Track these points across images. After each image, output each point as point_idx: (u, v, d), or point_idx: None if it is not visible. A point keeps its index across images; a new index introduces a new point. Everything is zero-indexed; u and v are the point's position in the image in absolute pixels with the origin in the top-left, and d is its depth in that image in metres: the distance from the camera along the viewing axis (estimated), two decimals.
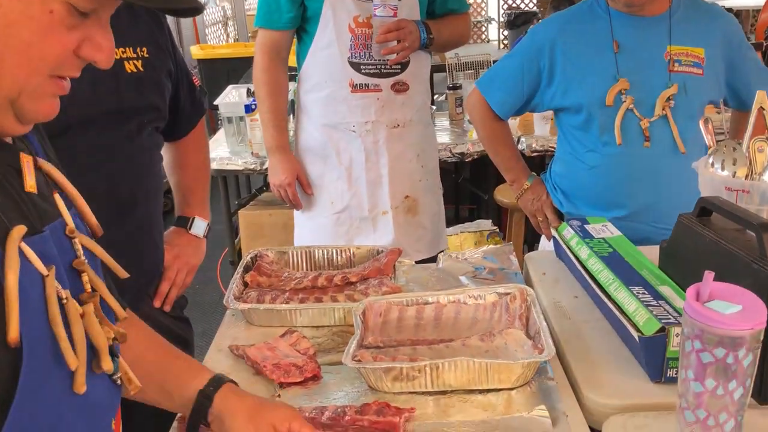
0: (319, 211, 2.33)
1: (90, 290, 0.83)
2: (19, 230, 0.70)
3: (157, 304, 1.54)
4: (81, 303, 0.80)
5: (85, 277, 0.82)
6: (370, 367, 1.22)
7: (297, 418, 1.05)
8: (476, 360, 1.20)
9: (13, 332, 0.66)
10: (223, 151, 3.46)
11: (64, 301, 0.76)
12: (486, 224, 3.25)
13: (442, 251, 2.31)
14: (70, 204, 0.84)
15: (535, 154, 3.36)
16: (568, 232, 1.64)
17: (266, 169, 2.45)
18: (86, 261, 0.83)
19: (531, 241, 3.31)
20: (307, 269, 1.69)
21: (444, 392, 1.23)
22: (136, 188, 1.44)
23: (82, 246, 0.84)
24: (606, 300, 1.35)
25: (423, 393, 1.23)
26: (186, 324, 1.66)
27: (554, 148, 2.09)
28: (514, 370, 1.21)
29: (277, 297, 1.51)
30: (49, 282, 0.74)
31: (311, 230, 2.35)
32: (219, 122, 3.86)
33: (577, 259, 1.53)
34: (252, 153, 3.31)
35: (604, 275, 1.41)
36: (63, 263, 0.80)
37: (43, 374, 0.72)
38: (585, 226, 1.65)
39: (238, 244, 3.61)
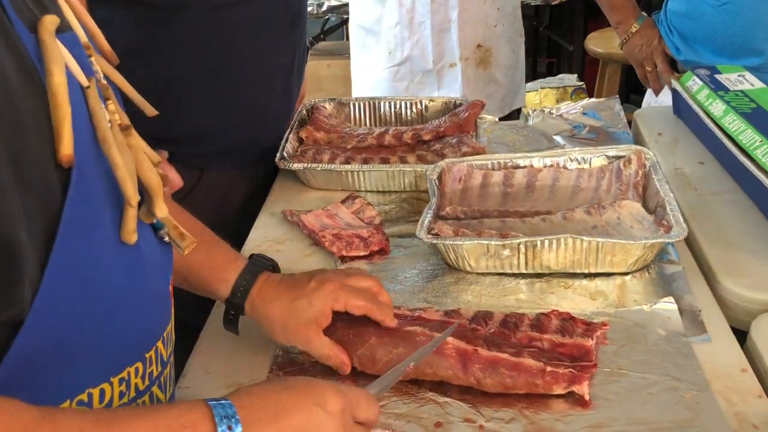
0: (374, 62, 2.03)
1: (121, 123, 0.62)
2: (52, 20, 0.54)
3: None
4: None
5: (111, 107, 0.61)
6: (451, 243, 0.99)
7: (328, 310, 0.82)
8: (586, 238, 0.96)
9: (67, 146, 0.51)
10: None
11: (108, 123, 0.58)
12: (570, 79, 2.89)
13: (519, 109, 2.02)
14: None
15: None
16: (693, 83, 1.32)
17: (324, 12, 2.14)
18: (109, 87, 0.63)
19: (623, 101, 2.93)
20: (371, 125, 1.44)
21: (540, 275, 1.00)
22: None
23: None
24: (750, 165, 1.07)
25: (514, 275, 1.01)
26: None
27: None
28: (632, 251, 0.96)
29: (337, 156, 1.27)
30: (92, 95, 0.57)
31: (368, 85, 2.07)
32: None
33: (708, 115, 1.23)
34: None
35: (747, 136, 1.12)
36: None
37: (91, 211, 0.55)
38: (716, 75, 1.32)
39: None
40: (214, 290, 0.86)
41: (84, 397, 0.57)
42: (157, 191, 0.61)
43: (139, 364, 0.62)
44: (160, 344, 0.66)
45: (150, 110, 0.69)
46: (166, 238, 0.67)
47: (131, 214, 0.57)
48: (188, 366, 0.88)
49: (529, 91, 2.75)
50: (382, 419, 0.77)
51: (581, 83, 2.91)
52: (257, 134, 1.28)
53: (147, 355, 0.63)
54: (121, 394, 0.60)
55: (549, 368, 0.79)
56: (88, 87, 0.57)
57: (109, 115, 0.58)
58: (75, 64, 0.56)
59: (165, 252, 0.68)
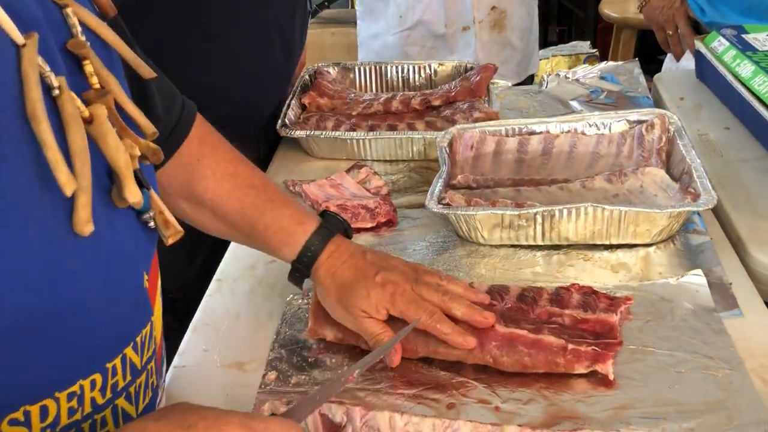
0: (384, 27, 1.95)
1: (99, 87, 0.54)
2: None
3: None
4: (87, 104, 0.52)
5: (88, 68, 0.53)
6: (462, 213, 0.93)
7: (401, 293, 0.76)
8: (608, 207, 0.89)
9: None
10: None
11: (56, 92, 0.48)
12: (583, 46, 2.79)
13: (532, 76, 1.95)
14: None
15: None
16: (719, 44, 1.25)
17: None
18: (89, 44, 0.54)
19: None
20: (377, 91, 1.38)
21: (557, 247, 0.95)
22: None
23: (82, 25, 0.54)
24: None
25: (530, 247, 0.95)
26: None
27: None
28: (657, 220, 0.90)
29: (342, 123, 1.21)
30: (28, 55, 0.46)
31: (377, 52, 1.99)
32: None
33: (735, 77, 1.16)
34: None
35: None
36: (55, 42, 0.51)
37: (19, 202, 0.45)
38: (743, 36, 1.25)
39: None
40: (278, 253, 0.80)
41: (19, 415, 0.47)
42: (125, 172, 0.52)
43: (97, 376, 0.52)
44: (129, 351, 0.56)
45: (147, 71, 0.60)
46: (152, 224, 0.58)
47: (82, 201, 0.48)
48: (185, 343, 0.83)
49: (541, 59, 2.66)
50: (391, 400, 0.72)
51: (594, 50, 2.82)
52: (257, 99, 1.21)
53: (109, 365, 0.53)
54: (71, 411, 0.51)
55: (571, 346, 0.73)
56: (24, 45, 0.47)
57: (57, 81, 0.48)
58: (5, 16, 0.46)
59: (143, 240, 0.58)
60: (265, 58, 1.18)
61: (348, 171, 1.14)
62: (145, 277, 0.58)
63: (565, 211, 0.91)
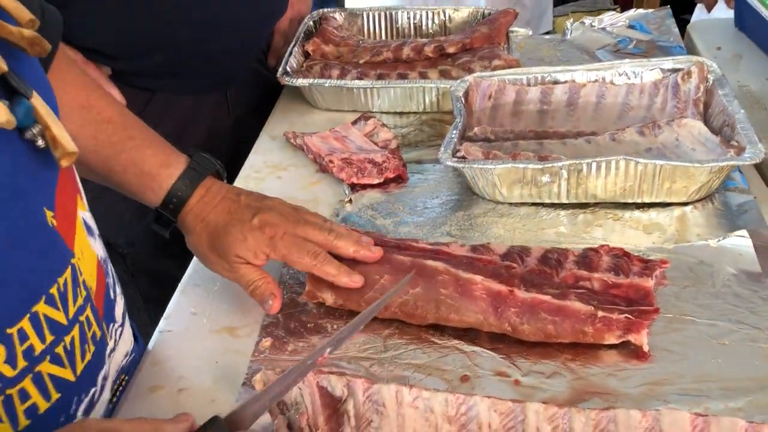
0: None
1: None
2: None
3: (273, 62, 1.21)
4: None
5: None
6: (480, 167, 0.84)
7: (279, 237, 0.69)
8: (642, 161, 0.80)
9: None
10: None
11: None
12: (604, 1, 2.66)
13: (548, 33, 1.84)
14: None
15: None
16: None
17: None
18: None
19: None
20: (386, 39, 1.28)
21: (584, 205, 0.86)
22: None
23: None
24: None
25: (553, 205, 0.86)
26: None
27: None
28: (696, 176, 0.81)
29: (348, 72, 1.12)
30: None
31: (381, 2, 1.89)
32: None
33: None
34: None
35: None
36: None
37: None
38: None
39: None
40: (141, 197, 0.72)
41: None
42: None
43: None
44: (42, 307, 0.47)
45: None
46: (41, 142, 0.47)
47: None
48: (172, 306, 0.76)
49: (559, 16, 2.53)
50: (398, 371, 0.64)
51: (616, 6, 2.68)
52: (212, 50, 1.04)
53: (12, 330, 0.45)
54: None
55: (601, 313, 0.65)
56: None
57: None
58: None
59: (35, 167, 0.48)
60: (218, 3, 1.02)
61: (354, 123, 1.05)
62: (49, 214, 0.48)
63: (594, 165, 0.82)
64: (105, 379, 0.58)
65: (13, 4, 0.46)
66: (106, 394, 0.59)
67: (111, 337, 0.58)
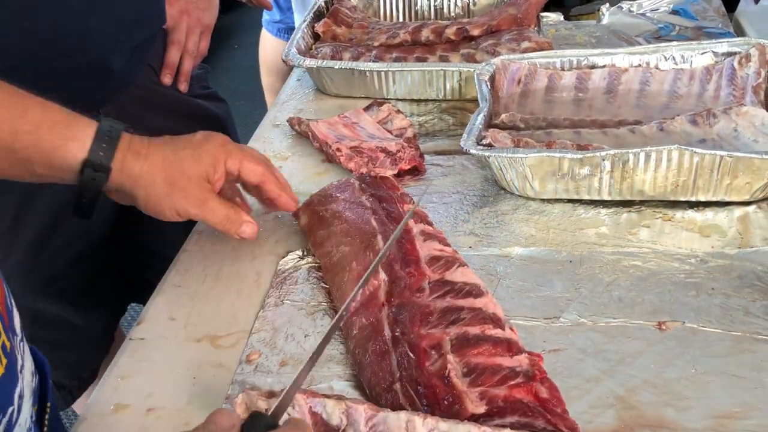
0: None
1: None
2: None
3: (167, 80, 0.96)
4: None
5: None
6: (508, 156, 0.73)
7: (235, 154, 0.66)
8: (700, 151, 0.69)
9: None
10: None
11: None
12: None
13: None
14: None
15: None
16: None
17: None
18: None
19: None
20: (405, 21, 1.17)
21: (628, 203, 0.74)
22: None
23: None
24: None
25: (592, 203, 0.75)
26: (216, 101, 1.07)
27: None
28: (762, 170, 0.69)
29: (361, 55, 1.01)
30: None
31: None
32: None
33: None
34: None
35: None
36: None
37: None
38: None
39: None
40: (60, 156, 0.58)
41: None
42: None
43: None
44: None
45: None
46: None
47: None
48: (147, 310, 0.65)
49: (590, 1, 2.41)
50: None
51: None
52: (55, 66, 0.78)
53: None
54: None
55: None
56: None
57: None
58: None
59: None
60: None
61: (366, 109, 0.94)
62: None
63: (642, 156, 0.70)
64: (21, 398, 0.48)
65: None
66: (25, 415, 0.48)
67: (18, 351, 0.48)
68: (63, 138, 0.58)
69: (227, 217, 0.64)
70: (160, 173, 0.61)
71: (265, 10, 1.78)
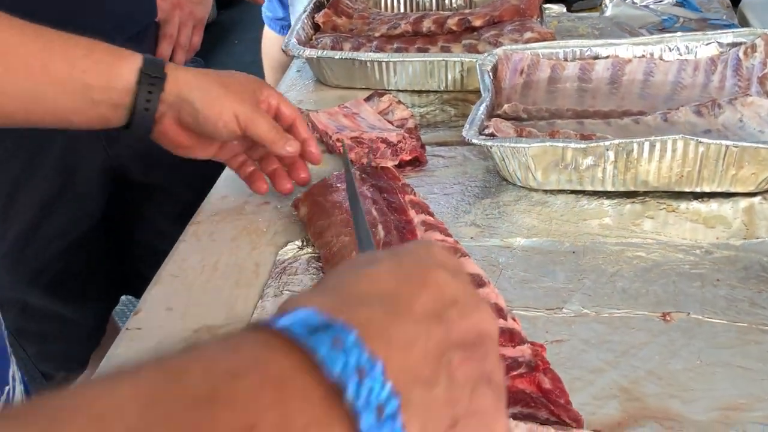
0: None
1: None
2: None
3: None
4: None
5: None
6: (511, 145, 0.72)
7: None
8: (705, 141, 0.68)
9: None
10: None
11: None
12: None
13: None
14: None
15: None
16: None
17: None
18: None
19: None
20: (406, 12, 1.16)
21: (632, 194, 0.73)
22: None
23: None
24: None
25: (595, 194, 0.74)
26: None
27: None
28: None
29: (361, 45, 1.00)
30: None
31: None
32: None
33: None
34: None
35: None
36: None
37: None
38: None
39: None
40: (116, 73, 0.60)
41: None
42: None
43: None
44: None
45: None
46: None
47: None
48: (144, 300, 0.64)
49: None
50: None
51: None
52: None
53: None
54: None
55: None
56: None
57: None
58: None
59: None
60: None
61: (367, 99, 0.93)
62: None
63: (646, 146, 0.69)
64: (14, 380, 0.48)
65: None
66: (18, 397, 0.48)
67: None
68: (116, 56, 0.61)
69: (276, 127, 0.66)
70: (214, 79, 0.64)
71: (267, 8, 1.77)
